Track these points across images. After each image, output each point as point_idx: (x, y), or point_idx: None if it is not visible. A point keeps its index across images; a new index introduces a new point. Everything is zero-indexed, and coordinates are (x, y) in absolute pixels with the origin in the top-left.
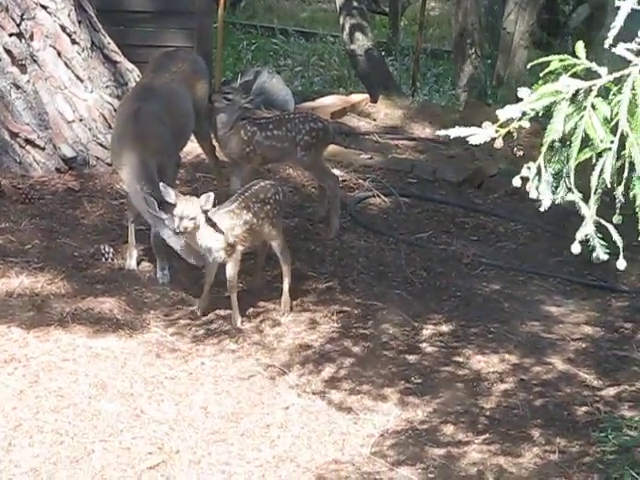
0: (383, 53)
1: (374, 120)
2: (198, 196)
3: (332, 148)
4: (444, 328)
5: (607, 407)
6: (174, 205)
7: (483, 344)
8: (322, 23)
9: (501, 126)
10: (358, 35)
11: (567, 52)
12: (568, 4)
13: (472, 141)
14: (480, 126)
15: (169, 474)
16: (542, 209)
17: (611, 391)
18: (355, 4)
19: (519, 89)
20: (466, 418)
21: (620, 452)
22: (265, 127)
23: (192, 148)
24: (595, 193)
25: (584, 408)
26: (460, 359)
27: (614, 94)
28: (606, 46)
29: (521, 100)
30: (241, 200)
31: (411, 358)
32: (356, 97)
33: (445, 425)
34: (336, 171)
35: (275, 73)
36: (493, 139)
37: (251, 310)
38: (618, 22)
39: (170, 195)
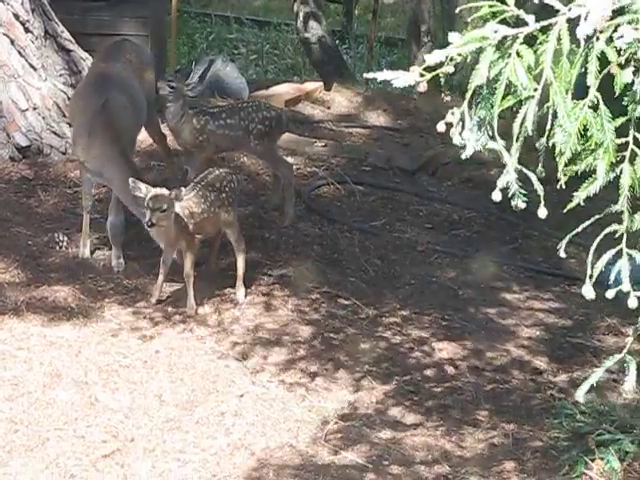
0: (337, 41)
1: (328, 108)
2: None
3: (286, 136)
4: (398, 315)
5: (561, 394)
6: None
7: (437, 331)
8: (276, 12)
9: (427, 70)
10: (312, 23)
11: None
12: None
13: (396, 83)
14: (435, 114)
15: (124, 462)
16: (464, 156)
17: (565, 378)
18: None
19: (449, 33)
20: (418, 403)
21: (574, 439)
22: (218, 116)
23: (146, 136)
24: (517, 141)
25: (537, 394)
26: (414, 345)
27: (540, 43)
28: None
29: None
30: (198, 189)
31: (365, 345)
32: (310, 85)
33: (397, 410)
34: (290, 159)
35: (229, 61)
36: (418, 83)
37: (206, 298)
38: None
39: (141, 189)
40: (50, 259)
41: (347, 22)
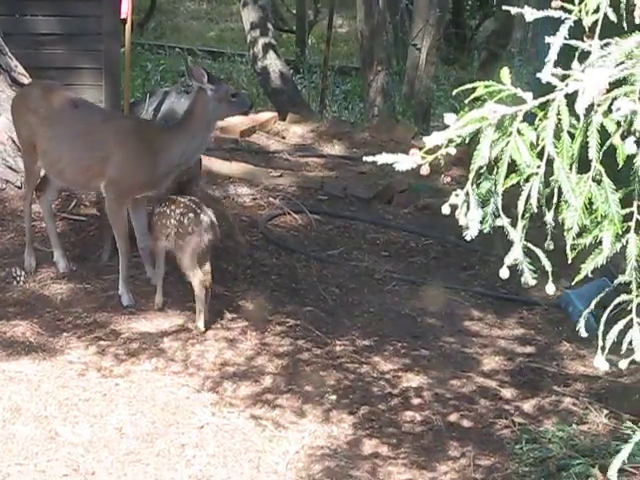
0: (291, 71)
1: (283, 138)
2: None
3: (242, 166)
4: (358, 344)
5: (523, 420)
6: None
7: (399, 359)
8: (230, 42)
9: (427, 152)
10: (266, 53)
11: (472, 66)
12: (474, 18)
13: (398, 167)
14: (390, 143)
15: None
16: (468, 237)
17: (527, 404)
18: (263, 22)
19: (445, 115)
20: (381, 433)
21: (536, 464)
22: None
23: None
24: (522, 218)
25: (500, 421)
26: (375, 374)
27: (540, 119)
28: (541, 78)
29: (448, 126)
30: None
31: (326, 374)
32: (265, 115)
33: (361, 440)
34: (246, 190)
35: (184, 93)
36: (419, 165)
37: (164, 330)
38: (552, 56)
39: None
40: (7, 294)
41: (300, 52)
